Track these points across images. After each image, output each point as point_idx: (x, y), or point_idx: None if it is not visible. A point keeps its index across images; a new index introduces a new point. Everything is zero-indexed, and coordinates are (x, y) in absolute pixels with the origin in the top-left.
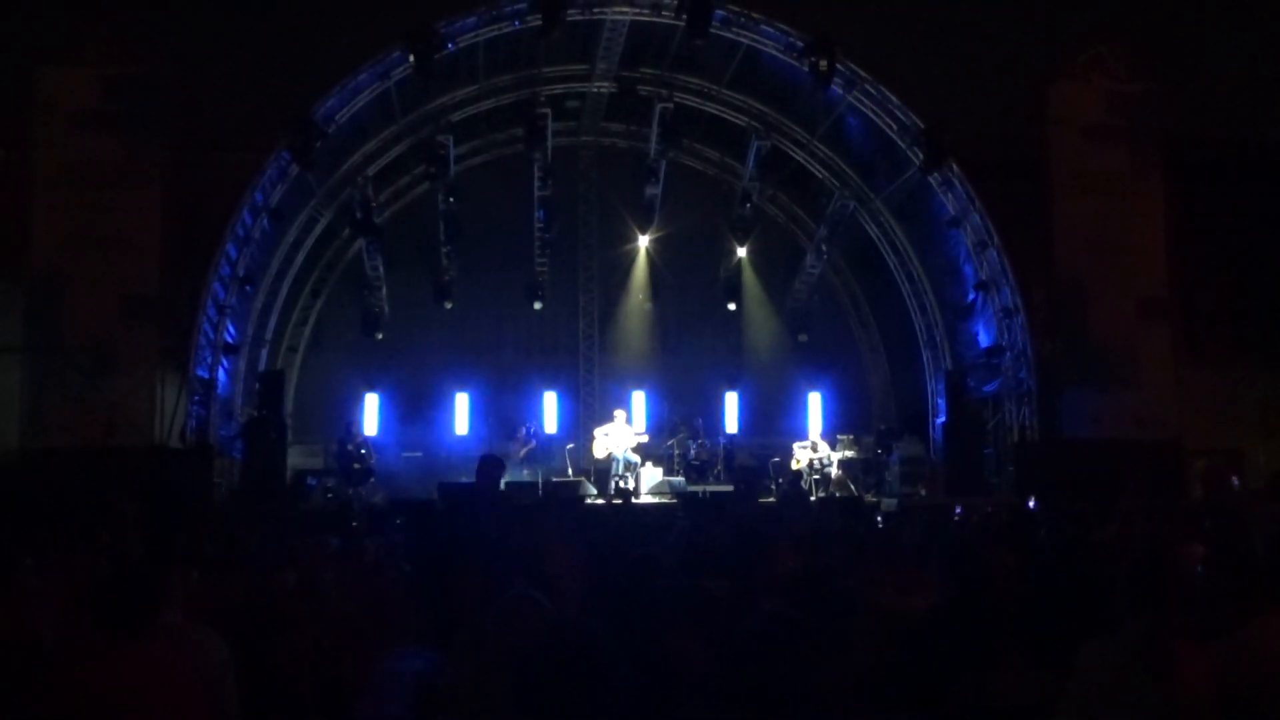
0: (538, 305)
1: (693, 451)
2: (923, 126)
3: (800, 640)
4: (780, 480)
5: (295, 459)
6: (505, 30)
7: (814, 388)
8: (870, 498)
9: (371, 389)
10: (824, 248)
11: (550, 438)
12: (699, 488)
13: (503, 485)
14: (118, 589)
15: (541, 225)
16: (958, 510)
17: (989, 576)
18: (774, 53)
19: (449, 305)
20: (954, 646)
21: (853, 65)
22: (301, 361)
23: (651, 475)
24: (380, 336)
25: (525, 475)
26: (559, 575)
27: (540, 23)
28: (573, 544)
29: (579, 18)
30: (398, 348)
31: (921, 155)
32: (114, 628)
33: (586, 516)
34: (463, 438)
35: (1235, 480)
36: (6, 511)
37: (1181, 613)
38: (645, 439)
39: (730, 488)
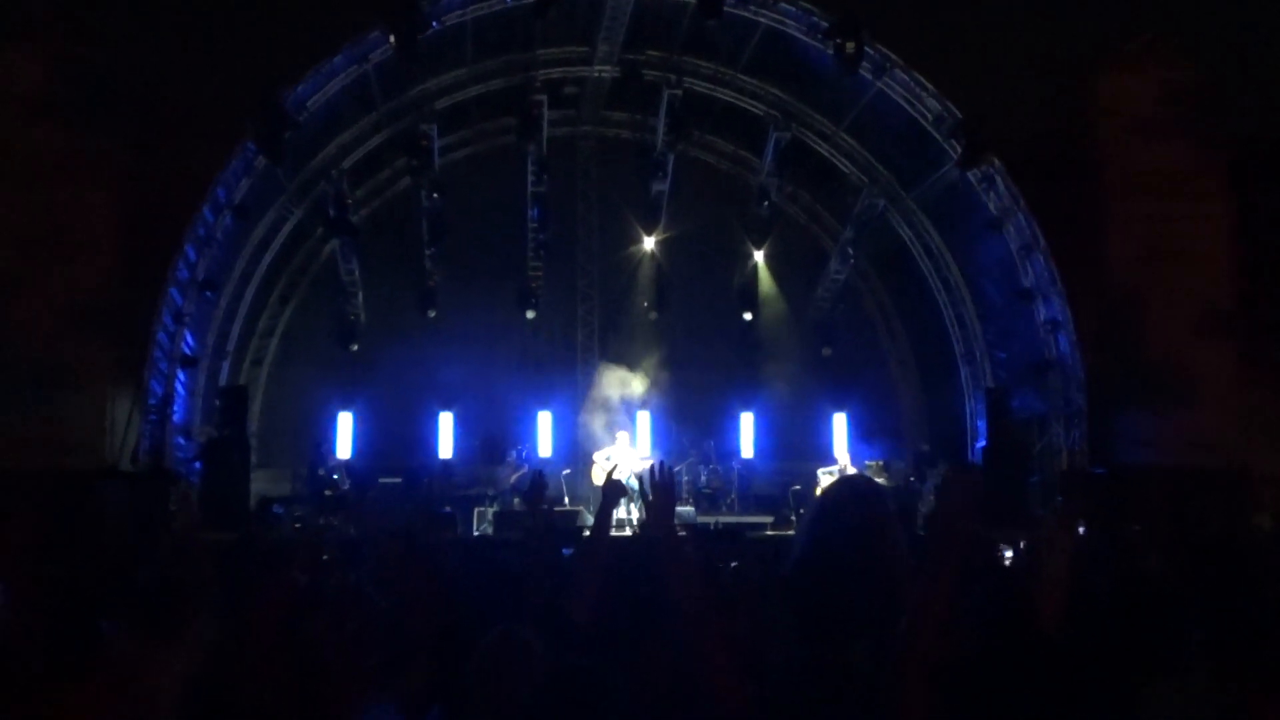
0: (531, 314)
1: (703, 478)
2: (960, 117)
3: (826, 687)
4: (801, 511)
5: (260, 484)
6: (496, 8)
7: (839, 407)
8: None
9: (346, 407)
10: (850, 251)
11: (544, 462)
12: (711, 519)
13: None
14: (59, 625)
15: (536, 225)
16: (1007, 553)
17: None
18: (795, 34)
19: (432, 314)
20: (999, 693)
21: (883, 48)
22: (268, 376)
23: None
24: (355, 348)
25: (516, 504)
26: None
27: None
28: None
29: None
30: (375, 361)
31: (959, 149)
32: (54, 666)
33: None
34: (447, 462)
35: None
36: None
37: (1257, 657)
38: (651, 463)
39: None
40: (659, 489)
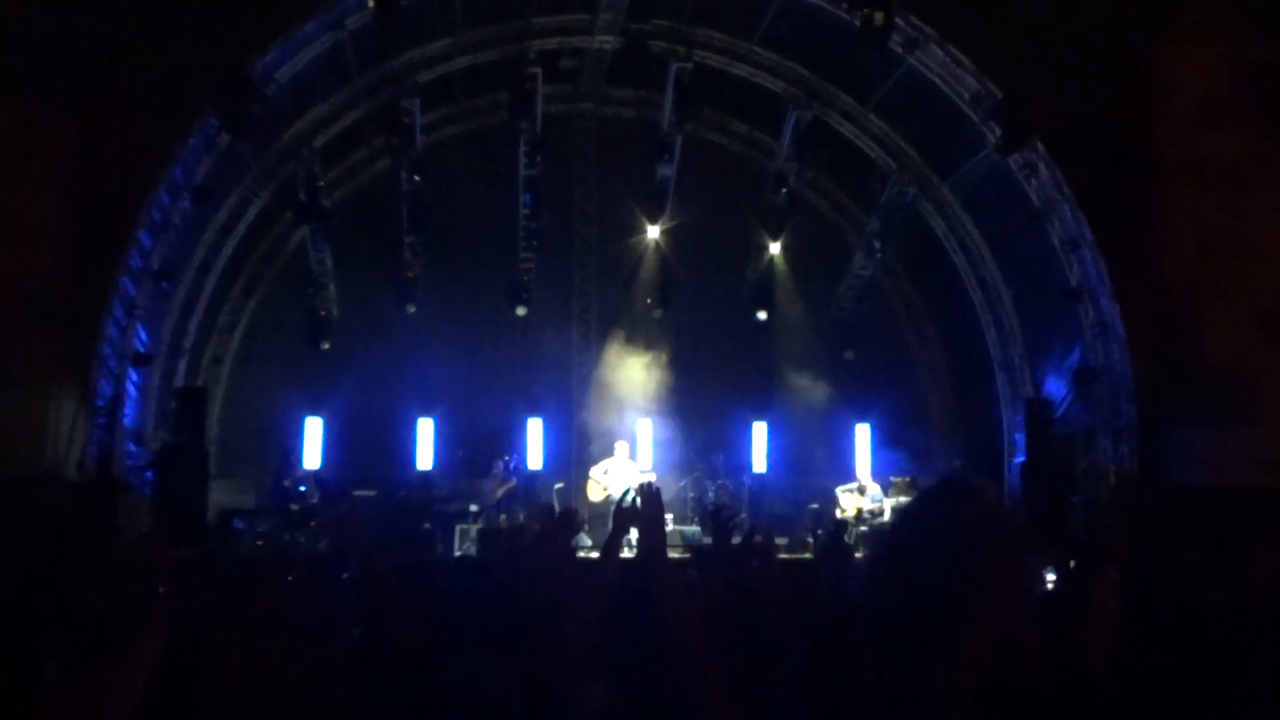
0: (522, 311)
1: (711, 494)
2: (1001, 96)
3: None
4: (819, 532)
5: (219, 496)
6: None
7: (862, 418)
8: None
9: (315, 411)
10: (876, 244)
11: (534, 475)
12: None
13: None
14: None
15: (528, 212)
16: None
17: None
18: (818, 3)
19: (412, 309)
20: None
21: (915, 20)
22: (229, 376)
23: None
24: (326, 347)
25: (503, 521)
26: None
27: None
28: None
29: None
30: (348, 361)
31: (999, 132)
32: None
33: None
34: (426, 473)
35: None
36: None
37: None
38: (652, 478)
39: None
40: (648, 510)
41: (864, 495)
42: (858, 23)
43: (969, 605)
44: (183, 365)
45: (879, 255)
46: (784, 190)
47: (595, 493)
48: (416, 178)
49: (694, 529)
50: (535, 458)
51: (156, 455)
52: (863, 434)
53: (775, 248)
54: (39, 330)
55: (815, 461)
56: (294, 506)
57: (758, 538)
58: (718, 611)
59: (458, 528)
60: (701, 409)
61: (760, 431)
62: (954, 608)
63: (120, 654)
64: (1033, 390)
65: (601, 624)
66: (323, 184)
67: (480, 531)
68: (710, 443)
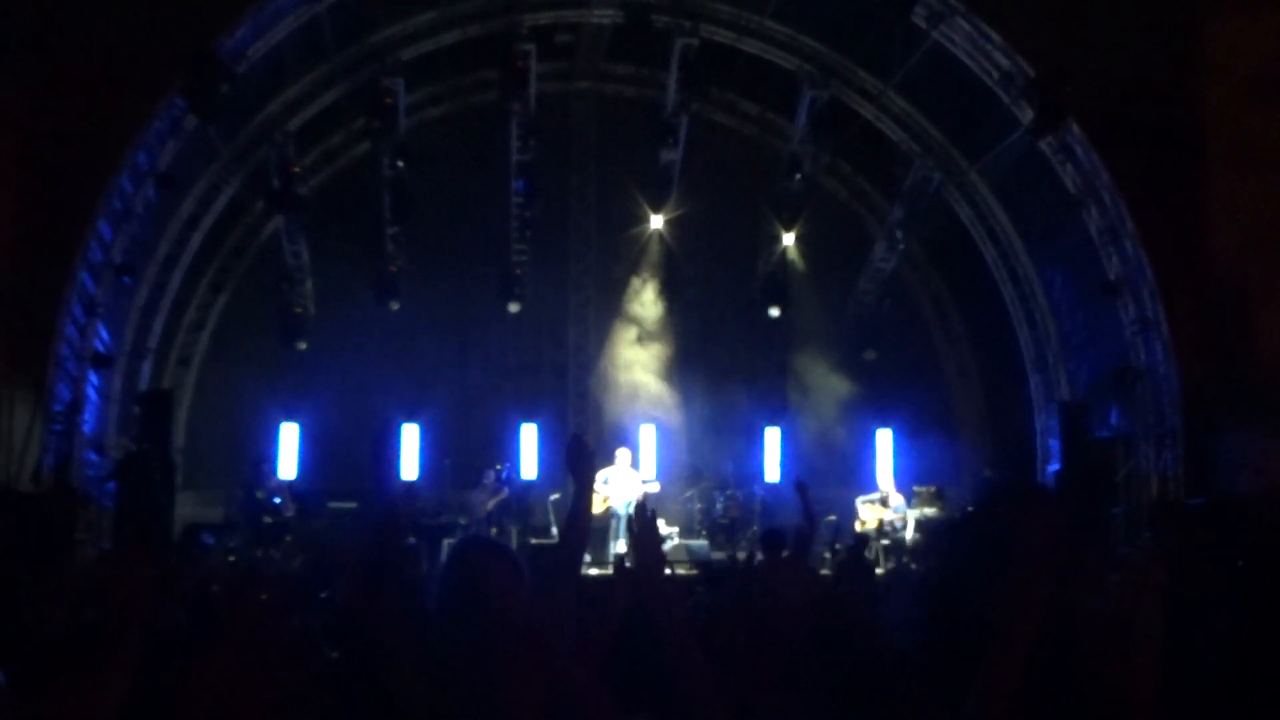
0: (515, 307)
1: (720, 506)
2: (1034, 74)
3: None
4: (837, 547)
5: (186, 508)
6: None
7: (884, 423)
8: None
9: (290, 417)
10: (899, 234)
11: (528, 485)
12: (727, 554)
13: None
14: None
15: (521, 200)
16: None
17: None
18: None
19: (395, 306)
20: None
21: None
22: (197, 379)
23: (665, 537)
24: (303, 347)
25: (494, 534)
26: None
27: None
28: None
29: None
30: (325, 362)
31: (1032, 113)
32: None
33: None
34: (411, 483)
35: None
36: None
37: None
38: (656, 488)
39: None
40: (643, 530)
41: (886, 507)
42: None
43: (1012, 624)
44: (147, 367)
45: (902, 246)
46: (798, 176)
47: (595, 504)
48: (399, 163)
49: (701, 543)
50: (529, 467)
51: (118, 465)
52: (884, 440)
53: (789, 238)
54: None
55: (833, 470)
56: (267, 520)
57: (759, 557)
58: (725, 632)
59: (445, 543)
60: (709, 413)
61: (773, 437)
62: (996, 627)
63: (83, 681)
64: (1069, 392)
65: (611, 645)
66: (298, 170)
67: None
68: (719, 450)
